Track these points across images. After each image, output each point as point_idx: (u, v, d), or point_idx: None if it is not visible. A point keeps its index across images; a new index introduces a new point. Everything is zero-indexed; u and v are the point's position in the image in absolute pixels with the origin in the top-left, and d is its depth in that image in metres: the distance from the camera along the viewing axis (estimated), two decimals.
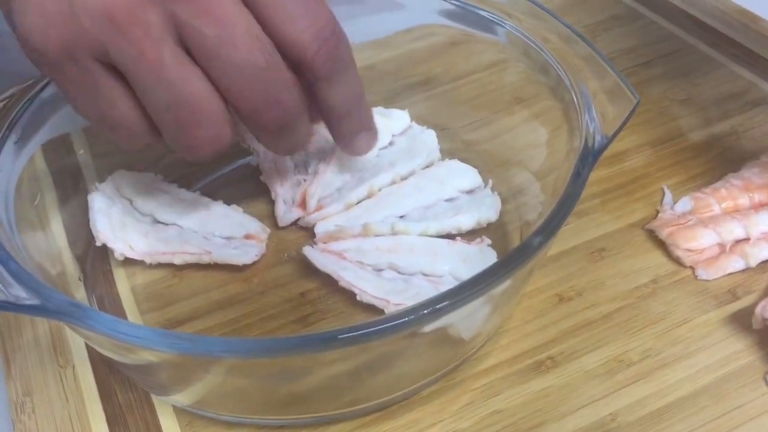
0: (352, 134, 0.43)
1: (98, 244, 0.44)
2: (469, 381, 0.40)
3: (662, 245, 0.46)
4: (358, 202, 0.47)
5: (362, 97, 0.42)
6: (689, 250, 0.45)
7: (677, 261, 0.45)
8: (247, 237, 0.45)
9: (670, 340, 0.41)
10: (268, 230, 0.46)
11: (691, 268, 0.45)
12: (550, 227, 0.35)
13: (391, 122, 0.52)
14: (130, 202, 0.47)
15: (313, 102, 0.40)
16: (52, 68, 0.36)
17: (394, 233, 0.45)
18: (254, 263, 0.45)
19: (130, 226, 0.45)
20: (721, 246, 0.45)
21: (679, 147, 0.52)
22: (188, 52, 0.35)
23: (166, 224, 0.46)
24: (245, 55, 0.35)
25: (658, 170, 0.51)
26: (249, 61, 0.35)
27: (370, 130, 0.44)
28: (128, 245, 0.44)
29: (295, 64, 0.37)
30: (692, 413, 0.38)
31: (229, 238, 0.45)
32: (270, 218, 0.48)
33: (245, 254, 0.44)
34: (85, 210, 0.46)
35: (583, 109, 0.40)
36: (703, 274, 0.44)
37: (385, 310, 0.41)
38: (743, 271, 0.44)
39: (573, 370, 0.40)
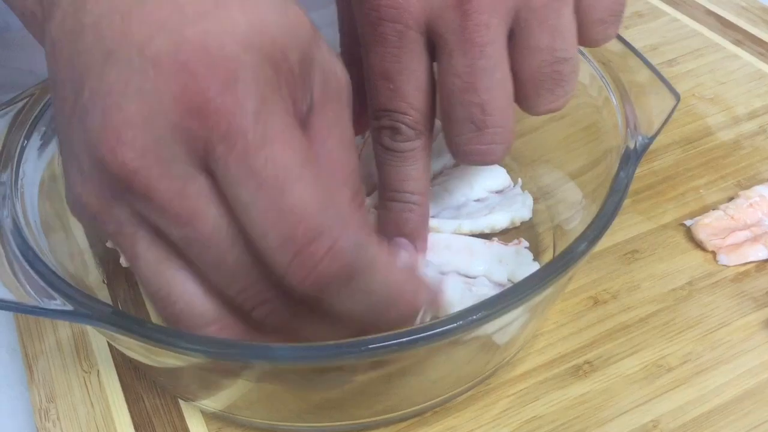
0: None
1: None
2: (505, 386, 0.39)
3: (696, 247, 0.45)
4: None
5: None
6: (713, 234, 0.44)
7: (699, 245, 0.45)
8: None
9: (709, 343, 0.40)
10: None
11: (713, 252, 0.44)
12: (594, 233, 0.34)
13: None
14: None
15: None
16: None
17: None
18: None
19: None
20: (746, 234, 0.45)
21: (707, 146, 0.52)
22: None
23: None
24: (216, 255, 0.29)
25: (688, 170, 0.50)
26: (221, 260, 0.29)
27: None
28: None
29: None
30: (736, 419, 0.37)
31: None
32: None
33: None
34: None
35: (623, 107, 0.39)
36: (724, 259, 0.44)
37: None
38: None
39: (611, 375, 0.39)
